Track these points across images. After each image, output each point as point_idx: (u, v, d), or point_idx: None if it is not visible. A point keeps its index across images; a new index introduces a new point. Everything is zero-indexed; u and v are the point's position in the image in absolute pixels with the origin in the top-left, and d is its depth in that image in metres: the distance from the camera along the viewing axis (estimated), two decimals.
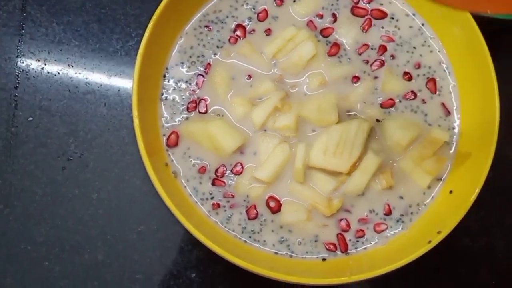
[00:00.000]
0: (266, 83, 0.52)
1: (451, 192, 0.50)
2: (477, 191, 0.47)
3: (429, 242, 0.46)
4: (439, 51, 0.55)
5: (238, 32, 0.54)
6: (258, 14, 0.54)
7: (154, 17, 0.49)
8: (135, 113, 0.48)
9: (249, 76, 0.53)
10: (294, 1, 0.55)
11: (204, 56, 0.53)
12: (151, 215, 0.56)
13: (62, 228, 0.55)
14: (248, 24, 0.54)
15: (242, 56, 0.53)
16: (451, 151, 0.53)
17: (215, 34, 0.54)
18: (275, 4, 0.55)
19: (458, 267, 0.57)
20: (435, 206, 0.51)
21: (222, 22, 0.54)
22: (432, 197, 0.52)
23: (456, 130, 0.53)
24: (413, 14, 0.55)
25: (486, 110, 0.50)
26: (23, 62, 0.59)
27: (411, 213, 0.51)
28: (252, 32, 0.54)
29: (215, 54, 0.53)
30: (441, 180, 0.52)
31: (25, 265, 0.54)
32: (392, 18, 0.55)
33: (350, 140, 0.50)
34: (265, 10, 0.55)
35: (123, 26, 0.60)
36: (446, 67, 0.54)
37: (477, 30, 0.50)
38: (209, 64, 0.53)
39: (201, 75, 0.53)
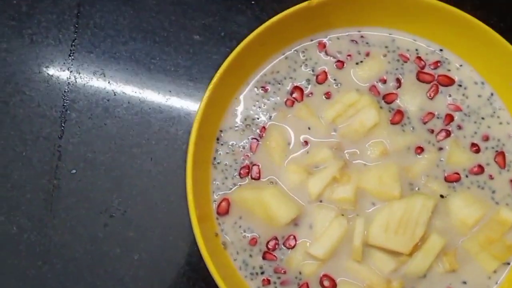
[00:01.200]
0: (324, 151, 0.49)
1: None
2: None
3: None
4: (508, 123, 0.51)
5: (295, 95, 0.51)
6: (317, 76, 0.52)
7: (214, 79, 0.47)
8: (188, 174, 0.45)
9: (306, 143, 0.50)
10: (356, 64, 0.52)
11: (259, 119, 0.51)
12: (196, 284, 0.53)
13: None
14: (307, 87, 0.52)
15: (299, 119, 0.51)
16: None
17: (271, 96, 0.52)
18: (335, 67, 0.52)
19: None
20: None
21: (280, 84, 0.52)
22: (497, 283, 0.48)
23: None
24: (482, 83, 0.52)
25: None
26: (68, 112, 0.57)
27: None
28: (310, 95, 0.52)
29: (270, 117, 0.51)
30: (509, 264, 0.48)
31: None
32: (460, 85, 0.52)
33: (414, 219, 0.47)
34: (325, 72, 0.52)
35: (174, 77, 0.58)
36: None
37: None
38: (264, 127, 0.51)
39: (255, 138, 0.50)
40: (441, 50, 0.53)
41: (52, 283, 0.53)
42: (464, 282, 0.48)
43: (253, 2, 0.61)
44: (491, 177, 0.50)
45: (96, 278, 0.53)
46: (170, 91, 0.58)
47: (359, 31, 0.53)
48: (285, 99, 0.51)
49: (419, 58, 0.53)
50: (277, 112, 0.51)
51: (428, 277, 0.48)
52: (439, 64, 0.53)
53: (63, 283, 0.53)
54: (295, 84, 0.52)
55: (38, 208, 0.55)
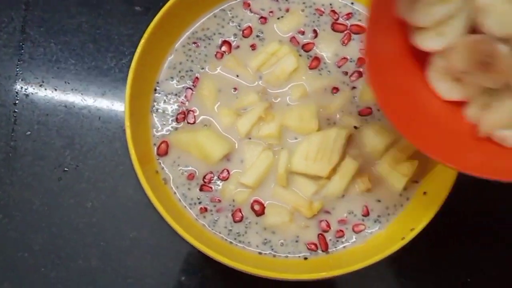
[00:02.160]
0: (250, 95, 0.55)
1: (425, 193, 0.53)
2: (446, 192, 0.50)
3: (403, 238, 0.48)
4: None
5: (224, 48, 0.57)
6: (243, 31, 0.58)
7: (145, 35, 0.53)
8: (127, 123, 0.51)
9: (235, 89, 0.56)
10: (278, 19, 0.58)
11: (192, 70, 0.57)
12: (143, 222, 0.58)
13: (58, 236, 0.58)
14: (234, 41, 0.58)
15: (228, 69, 0.57)
16: None
17: (202, 50, 0.57)
18: (259, 22, 0.58)
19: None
20: (410, 206, 0.54)
21: (209, 39, 0.58)
22: (408, 199, 0.54)
23: None
24: None
25: None
26: (22, 80, 0.63)
27: (388, 214, 0.54)
28: (237, 48, 0.58)
29: (202, 68, 0.57)
30: (417, 182, 0.55)
31: (22, 272, 0.57)
32: None
33: (329, 147, 0.53)
34: (250, 27, 0.58)
35: (117, 45, 0.64)
36: None
37: None
38: (197, 78, 0.56)
39: (189, 88, 0.56)
40: (352, 3, 0.60)
41: (12, 233, 0.58)
42: (378, 200, 0.54)
43: None
44: None
45: (53, 227, 0.58)
46: (115, 56, 0.64)
47: None
48: (215, 52, 0.57)
49: (333, 11, 0.59)
50: (209, 64, 0.57)
51: (346, 197, 0.54)
52: (350, 16, 0.59)
53: (22, 233, 0.58)
54: (223, 39, 0.58)
55: None
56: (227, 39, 0.58)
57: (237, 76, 0.57)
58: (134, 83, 0.52)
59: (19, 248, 0.57)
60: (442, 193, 0.50)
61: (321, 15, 0.59)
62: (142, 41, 0.53)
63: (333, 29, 0.59)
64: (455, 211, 0.56)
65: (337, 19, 0.59)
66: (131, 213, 0.58)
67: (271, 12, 0.59)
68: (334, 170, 0.53)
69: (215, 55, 0.57)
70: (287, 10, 0.59)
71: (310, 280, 0.47)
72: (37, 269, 0.57)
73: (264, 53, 0.57)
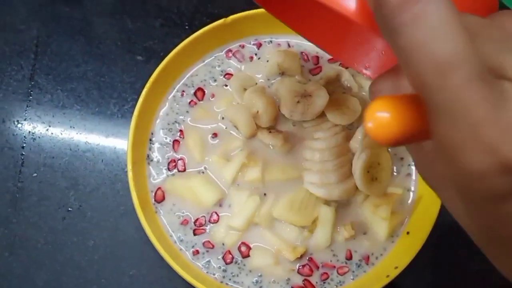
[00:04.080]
0: (232, 141, 0.60)
1: (408, 233, 0.58)
2: (428, 230, 0.54)
3: (387, 276, 0.53)
4: None
5: (198, 95, 0.63)
6: (225, 75, 0.63)
7: (147, 85, 0.58)
8: (129, 168, 0.56)
9: (215, 135, 0.61)
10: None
11: (177, 122, 0.61)
12: (142, 260, 0.62)
13: (61, 273, 0.61)
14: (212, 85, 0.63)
15: (202, 118, 0.62)
16: (410, 199, 0.60)
17: (185, 98, 0.62)
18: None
19: None
20: (395, 248, 0.58)
21: (193, 87, 0.63)
22: (393, 241, 0.59)
23: (414, 180, 0.61)
24: None
25: None
26: (30, 125, 0.67)
27: (372, 254, 0.58)
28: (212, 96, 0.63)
29: (183, 121, 0.62)
30: (402, 224, 0.59)
31: None
32: None
33: (313, 198, 0.58)
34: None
35: (120, 92, 0.69)
36: None
37: None
38: (181, 130, 0.61)
39: (176, 140, 0.61)
40: None
41: (17, 270, 0.61)
42: (363, 244, 0.58)
43: (187, 27, 0.72)
44: None
45: (56, 264, 0.62)
46: (118, 103, 0.68)
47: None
48: (189, 100, 0.62)
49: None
50: (190, 115, 0.62)
51: (332, 246, 0.58)
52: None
53: (27, 270, 0.61)
54: (199, 86, 0.63)
55: (4, 208, 0.63)
56: (201, 86, 0.63)
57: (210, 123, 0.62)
58: (135, 132, 0.57)
59: (24, 285, 0.61)
60: (424, 231, 0.54)
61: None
62: (144, 90, 0.58)
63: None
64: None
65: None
66: (131, 251, 0.62)
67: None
68: (315, 221, 0.58)
69: (189, 103, 0.62)
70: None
71: None
72: None
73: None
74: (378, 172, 0.60)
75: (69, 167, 0.65)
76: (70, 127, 0.67)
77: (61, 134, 0.67)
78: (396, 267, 0.54)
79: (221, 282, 0.56)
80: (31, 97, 0.68)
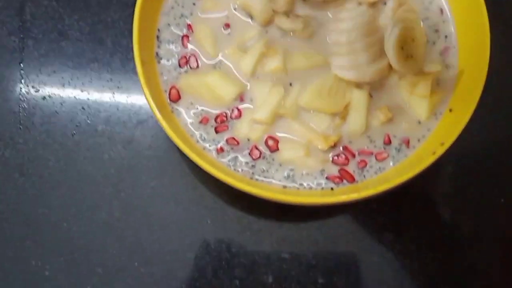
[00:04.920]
0: (246, 31, 0.54)
1: (450, 110, 0.52)
2: (474, 105, 0.48)
3: (433, 153, 0.47)
4: None
5: None
6: None
7: None
8: (138, 67, 0.50)
9: (227, 25, 0.55)
10: None
11: (183, 15, 0.55)
12: (162, 171, 0.57)
13: (77, 190, 0.57)
14: None
15: (211, 8, 0.56)
16: (450, 74, 0.54)
17: None
18: None
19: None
20: (437, 126, 0.52)
21: None
22: (435, 120, 0.53)
23: (454, 54, 0.55)
24: None
25: (477, 33, 0.52)
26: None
27: (414, 137, 0.52)
28: None
29: (191, 14, 0.55)
30: (444, 102, 0.53)
31: (44, 228, 0.56)
32: None
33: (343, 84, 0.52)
34: None
35: None
36: None
37: None
38: (189, 24, 0.55)
39: (186, 35, 0.55)
40: None
41: (30, 191, 0.57)
42: (402, 126, 0.53)
43: None
44: None
45: (70, 181, 0.57)
46: (117, 10, 0.62)
47: None
48: None
49: None
50: (197, 5, 0.56)
51: (368, 132, 0.53)
52: None
53: (40, 189, 0.57)
54: None
55: (9, 127, 0.58)
56: None
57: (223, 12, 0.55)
58: (140, 29, 0.51)
59: (39, 205, 0.56)
60: (468, 106, 0.49)
61: None
62: None
63: None
64: None
65: None
66: (149, 162, 0.58)
67: None
68: (347, 107, 0.52)
69: None
70: None
71: (338, 203, 0.46)
72: (59, 224, 0.56)
73: None
74: (413, 48, 0.54)
75: (77, 82, 0.60)
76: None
77: (61, 47, 0.61)
78: (443, 143, 0.48)
79: (251, 178, 0.51)
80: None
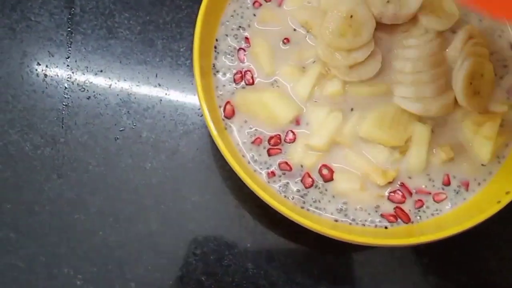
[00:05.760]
0: (306, 48, 0.52)
1: None
2: None
3: (498, 202, 0.45)
4: None
5: None
6: None
7: None
8: (197, 79, 0.47)
9: (287, 40, 0.52)
10: None
11: (241, 27, 0.53)
12: (205, 186, 0.55)
13: (115, 198, 0.55)
14: None
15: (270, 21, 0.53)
16: None
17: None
18: None
19: None
20: (500, 171, 0.50)
21: None
22: (498, 164, 0.50)
23: None
24: None
25: None
26: (76, 35, 0.59)
27: (475, 179, 0.50)
28: None
29: (249, 26, 0.53)
30: (508, 145, 0.51)
31: (78, 235, 0.54)
32: None
33: (406, 114, 0.49)
34: None
35: None
36: None
37: None
38: (247, 37, 0.52)
39: (242, 48, 0.52)
40: None
41: (68, 194, 0.55)
42: (462, 167, 0.50)
43: None
44: None
45: (110, 188, 0.55)
46: (171, 11, 0.60)
47: None
48: (254, 1, 0.53)
49: None
50: (256, 16, 0.53)
51: (427, 169, 0.50)
52: None
53: (78, 194, 0.55)
54: None
55: (51, 126, 0.56)
56: None
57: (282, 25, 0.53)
58: (201, 39, 0.49)
59: (75, 210, 0.55)
60: None
61: None
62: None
63: None
64: None
65: None
66: (192, 175, 0.55)
67: None
68: (408, 141, 0.50)
69: (253, 4, 0.53)
70: None
71: (390, 246, 0.43)
72: (94, 232, 0.54)
73: None
74: (481, 85, 0.51)
75: (120, 80, 0.58)
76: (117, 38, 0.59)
77: (109, 45, 0.59)
78: (508, 192, 0.45)
79: (302, 207, 0.48)
80: (74, 4, 0.60)
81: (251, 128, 0.50)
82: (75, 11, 0.60)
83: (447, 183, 0.50)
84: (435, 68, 0.51)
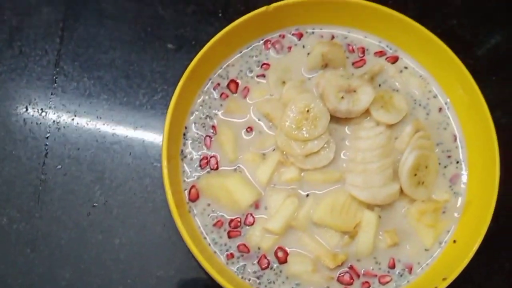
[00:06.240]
0: (267, 137, 0.57)
1: (454, 241, 0.54)
2: (479, 240, 0.50)
3: None
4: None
5: (231, 87, 0.59)
6: (262, 66, 0.59)
7: (184, 75, 0.54)
8: (164, 164, 0.52)
9: (250, 129, 0.57)
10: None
11: (209, 116, 0.58)
12: (170, 261, 0.59)
13: (85, 272, 0.58)
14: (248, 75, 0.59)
15: (235, 112, 0.58)
16: (458, 203, 0.56)
17: (217, 91, 0.59)
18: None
19: None
20: (440, 256, 0.54)
21: (227, 78, 0.59)
22: (438, 250, 0.55)
23: (464, 182, 0.57)
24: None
25: (488, 163, 0.55)
26: (54, 114, 0.63)
27: (418, 263, 0.54)
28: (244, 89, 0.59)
29: (216, 115, 0.58)
30: (449, 232, 0.55)
31: None
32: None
33: (356, 202, 0.54)
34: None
35: (149, 81, 0.65)
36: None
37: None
38: (213, 126, 0.57)
39: (209, 136, 0.57)
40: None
41: (40, 268, 0.58)
42: (406, 252, 0.54)
43: (220, 15, 0.68)
44: None
45: (80, 263, 0.58)
46: (147, 93, 0.64)
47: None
48: (221, 93, 0.58)
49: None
50: (223, 106, 0.58)
51: (374, 253, 0.54)
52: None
53: (49, 267, 0.58)
54: (232, 78, 0.59)
55: (27, 201, 0.60)
56: (235, 78, 0.59)
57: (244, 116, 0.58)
58: (171, 127, 0.53)
59: (46, 284, 0.58)
60: (473, 242, 0.51)
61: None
62: (180, 83, 0.55)
63: None
64: None
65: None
66: (158, 251, 0.59)
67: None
68: (357, 226, 0.54)
69: (221, 96, 0.58)
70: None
71: None
72: None
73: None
74: (425, 175, 0.56)
75: (95, 160, 0.62)
76: (97, 117, 0.64)
77: (87, 124, 0.63)
78: (445, 278, 0.50)
79: (256, 287, 0.52)
80: (56, 85, 0.65)
81: (213, 211, 0.55)
82: (57, 91, 0.64)
83: (392, 266, 0.54)
84: (384, 159, 0.56)
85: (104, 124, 0.63)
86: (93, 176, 0.61)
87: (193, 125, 0.57)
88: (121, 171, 0.62)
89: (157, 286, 0.58)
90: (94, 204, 0.60)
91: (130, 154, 0.62)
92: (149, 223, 0.60)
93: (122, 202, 0.61)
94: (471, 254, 0.51)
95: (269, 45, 0.60)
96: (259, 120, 0.58)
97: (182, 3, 0.69)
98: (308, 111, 0.55)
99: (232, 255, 0.53)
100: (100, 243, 0.59)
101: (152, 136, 0.63)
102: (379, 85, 0.60)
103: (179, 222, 0.50)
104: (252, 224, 0.54)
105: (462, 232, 0.55)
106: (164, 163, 0.52)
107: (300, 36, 0.61)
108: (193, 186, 0.55)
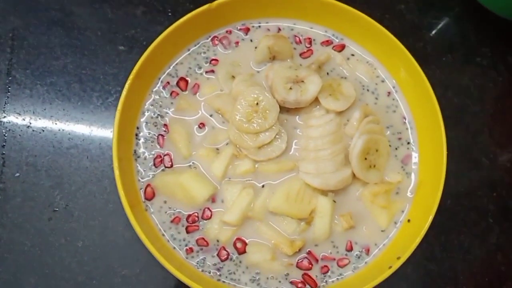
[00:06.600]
0: (219, 132, 0.58)
1: (409, 221, 0.56)
2: (430, 218, 0.52)
3: (390, 267, 0.51)
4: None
5: (181, 85, 0.60)
6: (210, 61, 0.61)
7: (131, 76, 0.55)
8: (115, 165, 0.52)
9: (202, 125, 0.58)
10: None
11: (161, 115, 0.59)
12: (134, 260, 0.60)
13: (50, 277, 0.59)
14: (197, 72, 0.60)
15: (186, 109, 0.59)
16: (411, 183, 0.58)
17: (167, 90, 0.59)
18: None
19: None
20: (396, 236, 0.56)
21: (177, 76, 0.60)
22: (394, 230, 0.57)
23: (415, 162, 0.59)
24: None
25: (436, 142, 0.56)
26: (9, 122, 0.64)
27: (375, 244, 0.56)
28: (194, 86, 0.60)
29: (167, 113, 0.59)
30: (403, 211, 0.57)
31: None
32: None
33: (310, 189, 0.55)
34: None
35: (103, 84, 0.66)
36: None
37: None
38: (165, 124, 0.58)
39: (161, 135, 0.58)
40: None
41: (4, 275, 0.59)
42: (363, 234, 0.56)
43: (170, 14, 0.69)
44: None
45: (45, 267, 0.59)
46: (101, 96, 0.65)
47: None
48: (171, 91, 0.59)
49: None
50: (173, 106, 0.59)
51: (331, 237, 0.56)
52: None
53: (14, 274, 0.59)
54: (181, 76, 0.60)
55: None
56: (184, 76, 0.60)
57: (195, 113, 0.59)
58: (120, 128, 0.54)
59: None
60: (425, 218, 0.52)
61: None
62: (127, 83, 0.55)
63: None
64: None
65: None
66: (121, 250, 0.60)
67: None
68: (312, 213, 0.55)
69: (171, 94, 0.59)
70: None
71: None
72: None
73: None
74: (376, 158, 0.58)
75: (53, 165, 0.62)
76: (52, 123, 0.64)
77: (43, 131, 0.64)
78: (399, 257, 0.52)
79: (218, 280, 0.53)
80: (9, 93, 0.65)
81: (170, 208, 0.56)
82: (10, 100, 0.65)
83: (350, 249, 0.56)
84: (334, 146, 0.58)
85: (59, 130, 0.64)
86: (52, 181, 0.62)
87: (145, 125, 0.58)
88: (80, 175, 0.62)
89: (122, 285, 0.59)
90: (55, 209, 0.61)
91: (87, 157, 0.63)
92: (111, 224, 0.61)
93: (83, 205, 0.61)
94: (423, 233, 0.53)
95: (217, 41, 0.61)
96: (211, 115, 0.59)
97: (131, 5, 0.69)
98: (257, 103, 0.57)
99: (191, 250, 0.54)
100: (63, 247, 0.60)
101: (108, 138, 0.64)
102: (327, 74, 0.61)
103: (133, 220, 0.51)
104: (210, 218, 0.56)
105: (416, 211, 0.57)
106: (116, 164, 0.53)
107: (246, 30, 0.62)
108: (148, 185, 0.56)
